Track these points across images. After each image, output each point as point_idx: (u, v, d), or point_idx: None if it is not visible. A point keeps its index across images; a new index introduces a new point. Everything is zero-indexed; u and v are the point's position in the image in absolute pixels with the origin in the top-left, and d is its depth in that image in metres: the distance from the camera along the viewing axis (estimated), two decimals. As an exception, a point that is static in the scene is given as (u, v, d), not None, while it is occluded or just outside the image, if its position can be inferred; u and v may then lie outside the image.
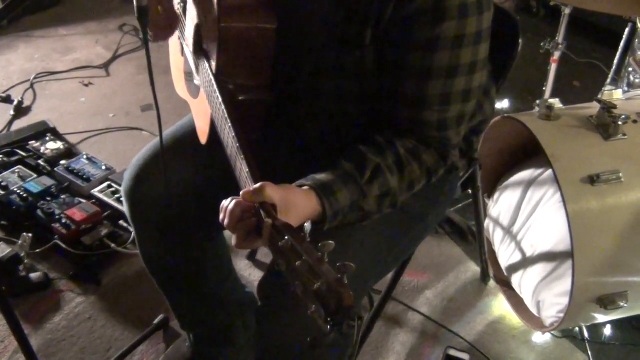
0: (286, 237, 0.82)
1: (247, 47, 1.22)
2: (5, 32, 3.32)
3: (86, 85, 2.95)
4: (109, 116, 2.75)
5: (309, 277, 0.75)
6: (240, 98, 1.26)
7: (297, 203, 0.97)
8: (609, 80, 2.16)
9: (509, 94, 2.66)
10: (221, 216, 0.95)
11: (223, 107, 1.15)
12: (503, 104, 2.64)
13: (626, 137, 1.55)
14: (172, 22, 1.39)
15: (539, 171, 1.78)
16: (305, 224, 0.95)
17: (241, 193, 0.95)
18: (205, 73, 1.27)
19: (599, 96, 1.68)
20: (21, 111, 2.74)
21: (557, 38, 1.88)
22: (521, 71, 2.38)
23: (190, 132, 1.42)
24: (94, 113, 2.77)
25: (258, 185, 0.93)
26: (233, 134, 1.08)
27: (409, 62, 1.12)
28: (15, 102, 2.74)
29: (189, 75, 1.53)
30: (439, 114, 1.16)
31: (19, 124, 2.65)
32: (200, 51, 1.34)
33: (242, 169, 1.03)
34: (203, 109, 1.36)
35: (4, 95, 2.80)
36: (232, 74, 1.24)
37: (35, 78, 2.94)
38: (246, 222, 0.92)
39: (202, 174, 1.36)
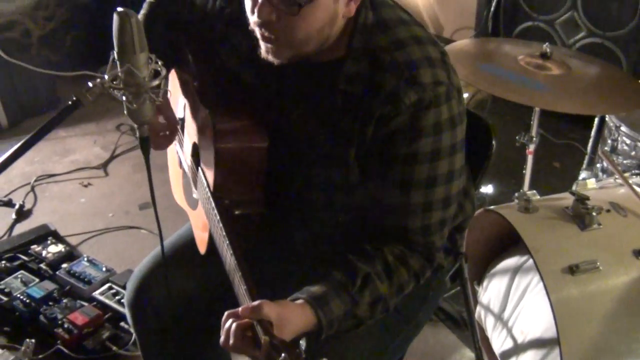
0: (283, 355, 0.89)
1: (242, 165, 1.33)
2: (6, 135, 3.45)
3: (85, 186, 3.05)
4: (108, 216, 2.84)
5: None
6: (235, 212, 1.35)
7: (292, 319, 1.05)
8: (584, 166, 2.27)
9: (492, 178, 2.77)
10: (222, 338, 1.03)
11: (221, 224, 1.24)
12: (487, 189, 2.75)
13: (601, 226, 1.64)
14: (172, 130, 1.47)
15: (523, 259, 1.86)
16: (301, 341, 1.03)
17: (240, 310, 1.02)
18: (203, 190, 1.37)
19: (574, 187, 1.78)
20: (23, 214, 2.83)
21: (531, 131, 2.00)
22: (502, 155, 2.51)
23: (190, 242, 1.50)
24: (94, 213, 2.86)
25: (256, 303, 1.01)
26: (231, 252, 1.17)
27: (391, 175, 1.23)
28: (17, 206, 2.83)
29: (187, 187, 1.62)
30: (422, 221, 1.25)
31: (20, 227, 2.73)
32: (197, 168, 1.44)
33: (240, 284, 1.12)
34: (202, 221, 1.45)
35: (5, 199, 2.89)
36: (228, 190, 1.34)
37: (35, 181, 3.04)
38: (245, 341, 0.99)
39: (202, 284, 1.44)
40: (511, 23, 3.30)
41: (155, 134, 1.43)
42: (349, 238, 1.31)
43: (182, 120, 1.59)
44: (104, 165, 3.21)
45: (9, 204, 2.87)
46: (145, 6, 1.52)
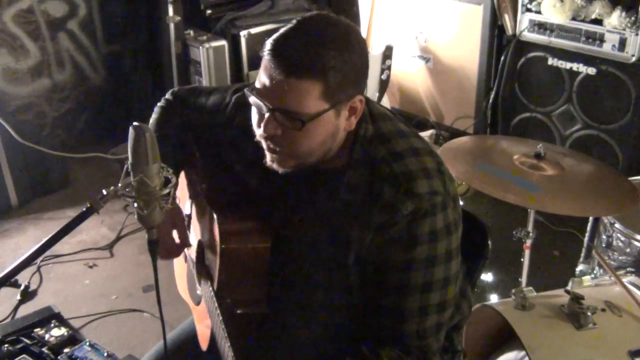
0: None
1: (246, 265, 1.37)
2: (16, 214, 3.52)
3: (90, 267, 3.09)
4: (111, 298, 2.87)
5: None
6: (238, 312, 1.39)
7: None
8: (581, 259, 2.31)
9: (491, 266, 2.80)
10: None
11: (223, 325, 1.28)
12: (487, 277, 2.78)
13: (596, 326, 1.67)
14: (183, 245, 1.53)
15: (521, 354, 1.88)
16: None
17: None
18: (207, 289, 1.41)
19: (570, 285, 1.82)
20: (27, 295, 2.86)
21: (527, 226, 2.06)
22: (502, 242, 2.55)
23: (192, 338, 1.54)
24: (98, 295, 2.89)
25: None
26: (232, 354, 1.20)
27: (388, 280, 1.27)
28: (22, 287, 2.86)
29: (191, 282, 1.67)
30: (418, 325, 1.29)
31: (24, 308, 2.76)
32: (202, 266, 1.49)
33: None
34: (204, 317, 1.48)
35: (11, 280, 2.92)
36: (231, 289, 1.38)
37: (42, 261, 3.09)
38: None
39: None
40: (510, 113, 3.41)
41: (165, 246, 1.49)
42: (348, 339, 1.34)
43: (189, 216, 1.65)
44: (110, 246, 3.26)
45: (14, 284, 2.90)
46: (156, 110, 1.61)
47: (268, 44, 1.20)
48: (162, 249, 1.39)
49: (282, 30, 1.22)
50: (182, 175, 1.66)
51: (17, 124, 3.51)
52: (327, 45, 1.19)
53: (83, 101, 4.13)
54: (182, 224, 1.52)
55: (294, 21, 1.23)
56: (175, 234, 1.51)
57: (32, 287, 2.92)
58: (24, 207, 3.57)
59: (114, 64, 4.17)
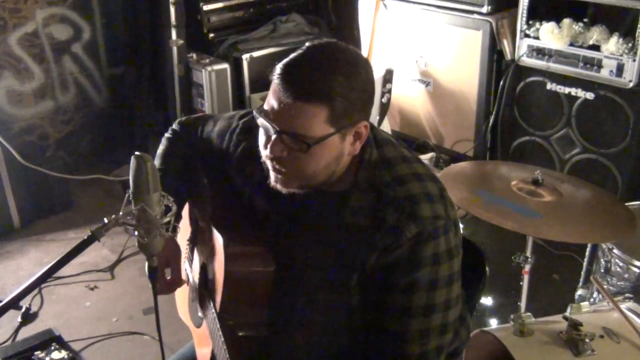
0: None
1: (249, 288, 1.39)
2: (18, 235, 3.53)
3: (92, 289, 3.10)
4: (112, 320, 2.87)
5: None
6: (239, 334, 1.40)
7: None
8: (580, 284, 2.32)
9: (491, 289, 2.81)
10: None
11: (224, 347, 1.30)
12: (487, 300, 2.78)
13: (595, 352, 1.67)
14: (175, 283, 1.58)
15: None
16: None
17: None
18: (210, 311, 1.43)
19: (568, 311, 1.83)
20: (28, 317, 2.86)
21: (526, 251, 2.07)
22: (502, 265, 2.55)
23: (192, 361, 1.55)
24: (98, 317, 2.89)
25: None
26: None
27: (390, 302, 1.29)
28: (23, 309, 2.87)
29: (192, 304, 1.68)
30: (420, 347, 1.31)
31: (25, 331, 2.77)
32: (205, 288, 1.50)
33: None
34: (205, 339, 1.50)
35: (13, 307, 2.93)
36: (234, 311, 1.40)
37: (43, 283, 3.10)
38: None
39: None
40: (509, 137, 3.43)
41: (162, 281, 1.52)
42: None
43: (193, 240, 1.66)
44: (111, 268, 3.27)
45: (15, 306, 2.91)
46: (163, 141, 1.64)
47: (278, 68, 1.24)
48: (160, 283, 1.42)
49: (291, 55, 1.25)
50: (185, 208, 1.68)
51: (20, 146, 3.54)
52: (334, 71, 1.22)
53: (86, 123, 4.16)
54: (177, 261, 1.54)
55: (304, 47, 1.27)
56: (168, 271, 1.54)
57: (33, 309, 2.93)
58: (26, 228, 3.58)
59: (117, 86, 4.21)
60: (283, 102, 1.21)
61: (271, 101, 1.24)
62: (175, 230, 1.28)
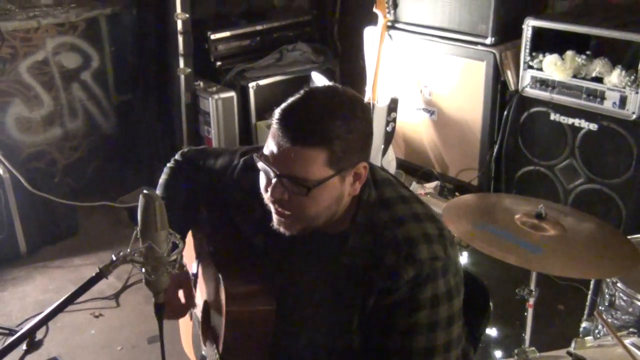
0: None
1: (251, 327, 1.40)
2: (24, 262, 3.54)
3: (97, 317, 3.11)
4: (116, 349, 2.88)
5: None
6: (241, 374, 1.41)
7: None
8: (585, 316, 2.31)
9: (496, 320, 2.80)
10: None
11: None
12: (491, 332, 2.78)
13: (599, 389, 1.67)
14: (188, 305, 1.57)
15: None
16: None
17: None
18: (212, 350, 1.44)
19: (572, 346, 1.83)
20: (34, 345, 2.86)
21: (530, 285, 2.07)
22: (506, 296, 2.55)
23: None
24: (103, 346, 2.90)
25: None
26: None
27: (390, 345, 1.30)
28: (28, 337, 2.87)
29: (196, 340, 1.69)
30: (421, 390, 1.31)
31: (30, 359, 2.77)
32: (208, 327, 1.52)
33: None
34: (209, 377, 1.50)
35: (18, 329, 2.95)
36: (236, 350, 1.41)
37: (49, 310, 3.10)
38: None
39: None
40: (513, 166, 3.45)
41: (171, 306, 1.52)
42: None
43: (195, 276, 1.68)
44: (116, 296, 3.28)
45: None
46: (165, 171, 1.66)
47: (277, 113, 1.26)
48: (167, 309, 1.42)
49: (290, 100, 1.28)
50: (189, 234, 1.70)
51: (28, 172, 3.57)
52: (332, 114, 1.24)
53: (94, 149, 4.20)
54: (188, 284, 1.55)
55: (302, 91, 1.29)
56: (181, 294, 1.54)
57: (39, 337, 2.93)
58: (33, 255, 3.60)
59: (124, 113, 4.26)
60: (282, 147, 1.23)
61: (270, 145, 1.26)
62: (182, 267, 1.30)
